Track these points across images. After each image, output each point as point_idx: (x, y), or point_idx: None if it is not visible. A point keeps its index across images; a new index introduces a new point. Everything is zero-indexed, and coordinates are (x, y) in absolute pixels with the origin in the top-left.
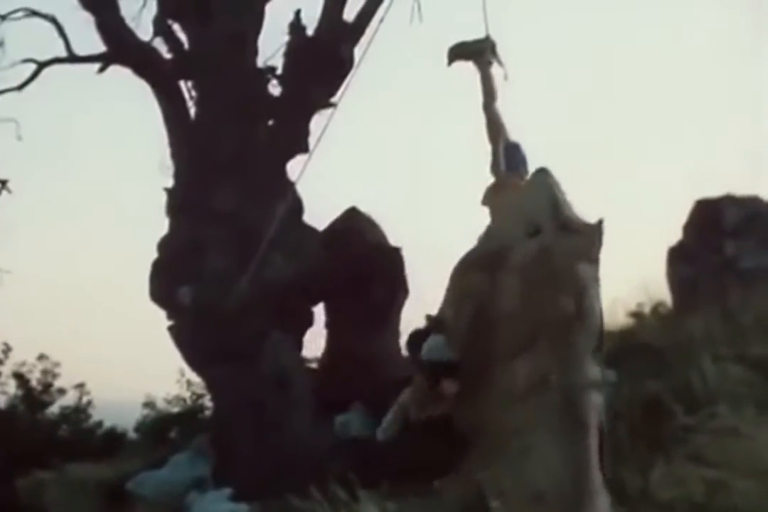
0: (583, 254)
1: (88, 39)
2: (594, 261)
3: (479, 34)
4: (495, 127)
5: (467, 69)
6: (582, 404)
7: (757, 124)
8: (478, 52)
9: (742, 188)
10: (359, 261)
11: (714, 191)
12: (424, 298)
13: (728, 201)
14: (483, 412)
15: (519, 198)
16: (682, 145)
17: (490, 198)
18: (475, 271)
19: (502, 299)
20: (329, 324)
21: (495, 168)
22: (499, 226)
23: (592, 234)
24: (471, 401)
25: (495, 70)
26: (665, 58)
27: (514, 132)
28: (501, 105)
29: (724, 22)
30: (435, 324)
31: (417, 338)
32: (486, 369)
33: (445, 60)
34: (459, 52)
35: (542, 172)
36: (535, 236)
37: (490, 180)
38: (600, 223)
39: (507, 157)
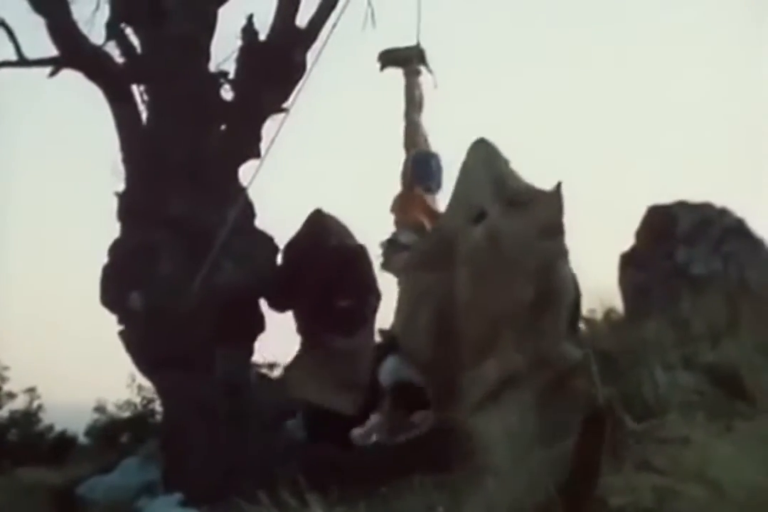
0: (540, 228)
1: (39, 42)
2: (555, 232)
3: (431, 41)
4: (411, 136)
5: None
6: (561, 400)
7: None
8: (405, 60)
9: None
10: (322, 270)
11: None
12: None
13: (681, 207)
14: (459, 424)
15: (458, 180)
16: (655, 150)
17: (396, 207)
18: (425, 272)
19: (457, 298)
20: (300, 330)
21: (403, 177)
22: (444, 217)
23: (549, 202)
24: (445, 415)
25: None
26: (662, 56)
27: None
28: (426, 113)
29: (725, 19)
30: (389, 340)
31: (378, 355)
32: (453, 378)
33: (383, 65)
34: (388, 58)
35: (478, 145)
36: (480, 221)
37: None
38: (558, 187)
39: (415, 167)
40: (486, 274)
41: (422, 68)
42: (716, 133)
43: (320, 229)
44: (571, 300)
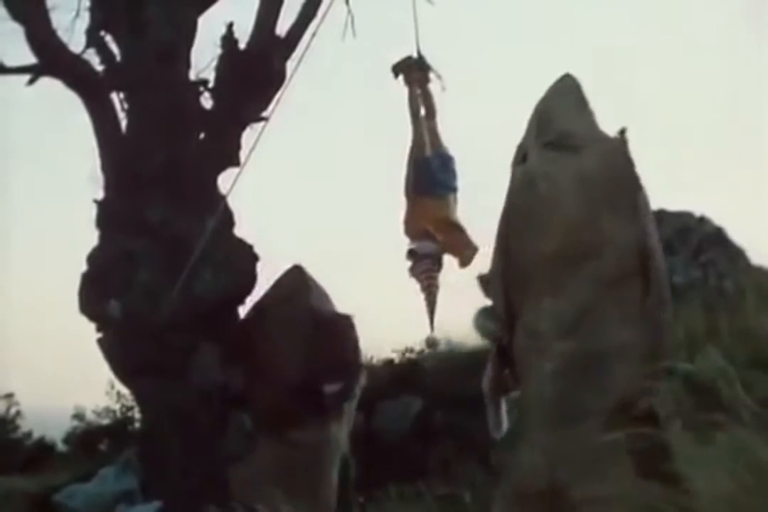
0: (588, 173)
1: (17, 50)
2: (611, 183)
3: (412, 50)
4: (417, 145)
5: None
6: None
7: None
8: (404, 70)
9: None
10: (298, 344)
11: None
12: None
13: (660, 215)
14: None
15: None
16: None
17: (405, 220)
18: (504, 218)
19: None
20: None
21: (405, 187)
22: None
23: (610, 150)
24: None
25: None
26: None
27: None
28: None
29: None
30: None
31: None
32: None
33: (390, 75)
34: (396, 69)
35: (559, 80)
36: (523, 163)
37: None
38: (622, 132)
39: (414, 175)
40: (520, 221)
41: (429, 74)
42: (695, 142)
43: (296, 295)
44: (621, 261)
